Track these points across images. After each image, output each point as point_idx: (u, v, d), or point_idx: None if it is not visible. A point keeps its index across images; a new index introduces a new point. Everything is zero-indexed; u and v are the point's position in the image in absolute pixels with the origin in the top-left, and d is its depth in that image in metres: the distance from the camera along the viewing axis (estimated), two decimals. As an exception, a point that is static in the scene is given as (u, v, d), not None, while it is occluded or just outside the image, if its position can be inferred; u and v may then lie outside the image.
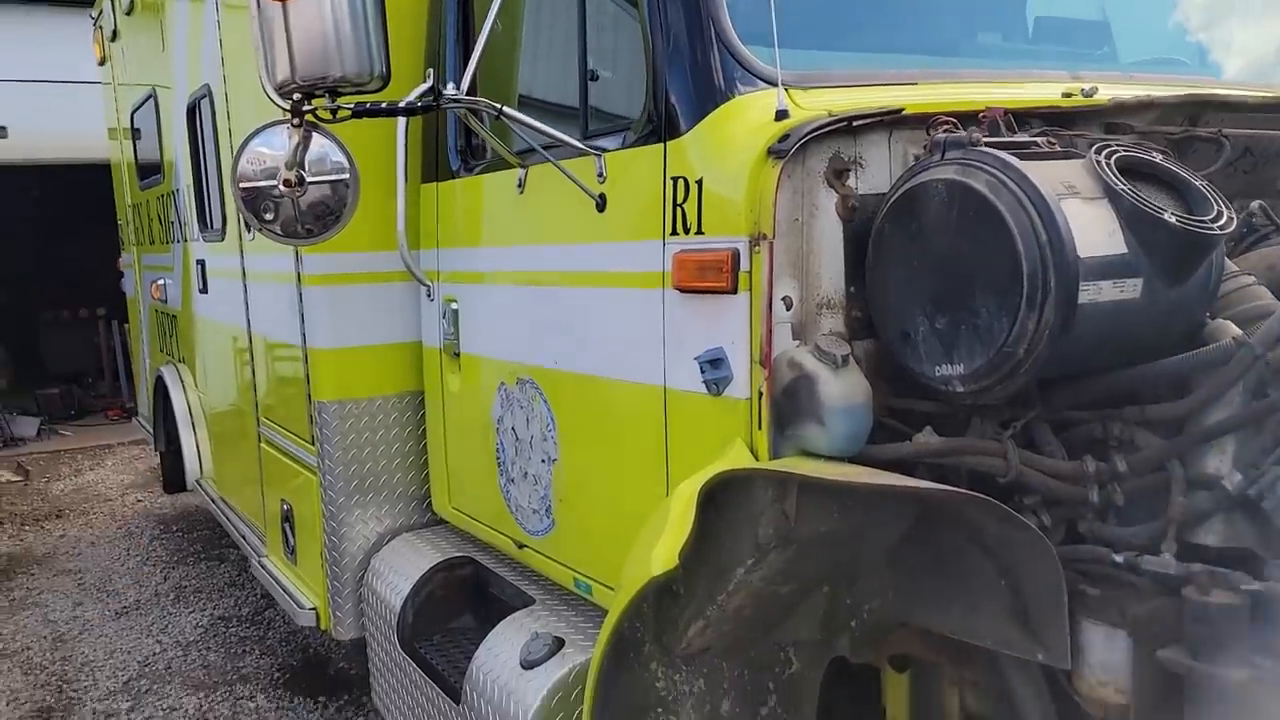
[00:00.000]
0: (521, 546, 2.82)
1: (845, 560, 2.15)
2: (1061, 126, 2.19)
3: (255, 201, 2.22)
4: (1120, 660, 1.90)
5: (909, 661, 2.54)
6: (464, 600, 3.12)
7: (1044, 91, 2.32)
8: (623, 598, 1.82)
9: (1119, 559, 1.97)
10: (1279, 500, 1.75)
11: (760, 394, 1.92)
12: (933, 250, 1.83)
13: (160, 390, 6.41)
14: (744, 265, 1.93)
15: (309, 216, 2.24)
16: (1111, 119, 2.23)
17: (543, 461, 2.65)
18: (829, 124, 1.92)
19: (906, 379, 2.00)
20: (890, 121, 2.03)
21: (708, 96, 2.07)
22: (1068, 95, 2.29)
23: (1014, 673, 2.13)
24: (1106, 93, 2.29)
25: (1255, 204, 2.05)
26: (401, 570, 3.18)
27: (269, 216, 2.23)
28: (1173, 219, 1.72)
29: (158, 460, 7.76)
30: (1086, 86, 2.33)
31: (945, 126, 1.96)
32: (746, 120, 2.01)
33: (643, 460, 2.23)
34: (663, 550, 1.72)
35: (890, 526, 2.13)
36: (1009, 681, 2.14)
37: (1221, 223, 1.75)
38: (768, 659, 2.35)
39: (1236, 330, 1.88)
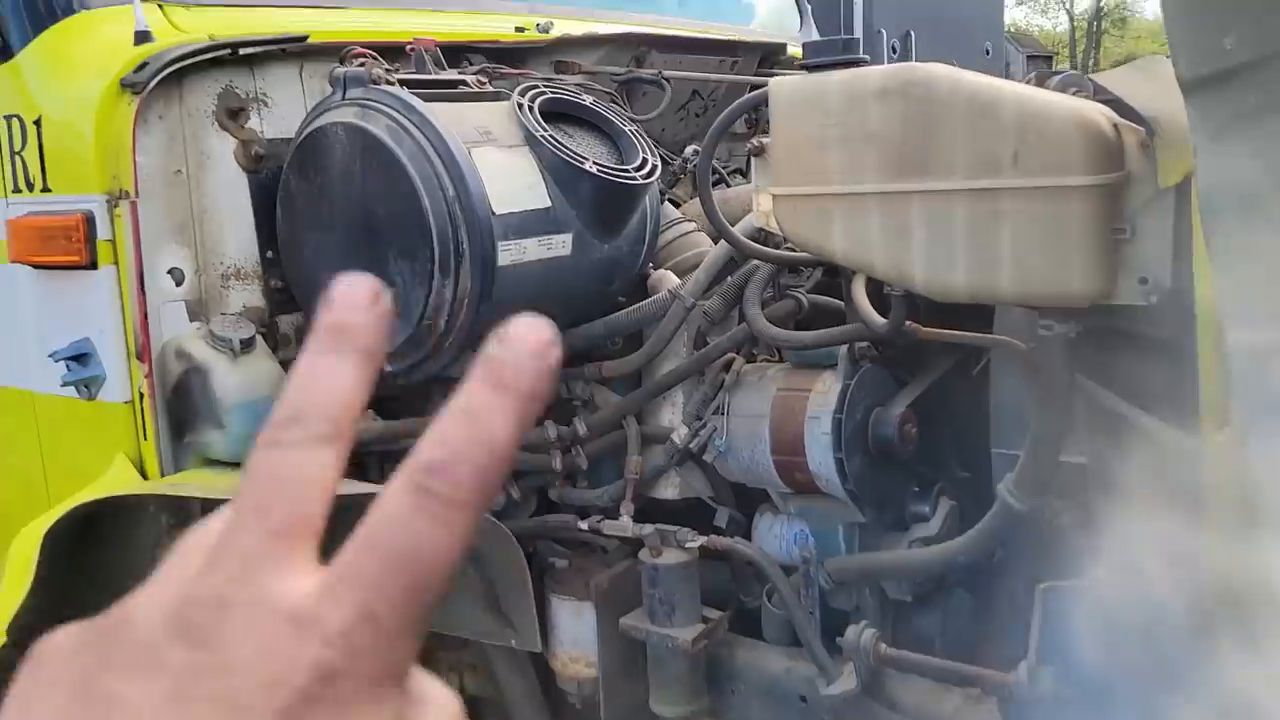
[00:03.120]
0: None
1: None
2: (513, 64, 2.01)
3: None
4: (588, 633, 1.82)
5: (409, 650, 2.33)
6: None
7: (497, 25, 2.12)
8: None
9: (583, 525, 1.88)
10: (718, 451, 1.73)
11: (142, 395, 1.52)
12: (340, 208, 1.54)
13: None
14: (103, 232, 1.50)
15: None
16: (560, 57, 2.09)
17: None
18: (204, 50, 1.54)
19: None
20: (298, 52, 1.69)
21: (43, 4, 1.58)
22: (520, 30, 2.11)
23: (497, 656, 1.99)
24: (561, 29, 2.14)
25: (689, 149, 2.02)
26: None
27: None
28: (593, 168, 1.58)
29: None
30: (542, 21, 2.17)
31: (359, 59, 1.66)
32: (97, 41, 1.56)
33: (26, 490, 1.73)
34: (-11, 622, 1.29)
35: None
36: (494, 665, 2.00)
37: (645, 171, 1.66)
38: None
39: (675, 280, 1.83)
